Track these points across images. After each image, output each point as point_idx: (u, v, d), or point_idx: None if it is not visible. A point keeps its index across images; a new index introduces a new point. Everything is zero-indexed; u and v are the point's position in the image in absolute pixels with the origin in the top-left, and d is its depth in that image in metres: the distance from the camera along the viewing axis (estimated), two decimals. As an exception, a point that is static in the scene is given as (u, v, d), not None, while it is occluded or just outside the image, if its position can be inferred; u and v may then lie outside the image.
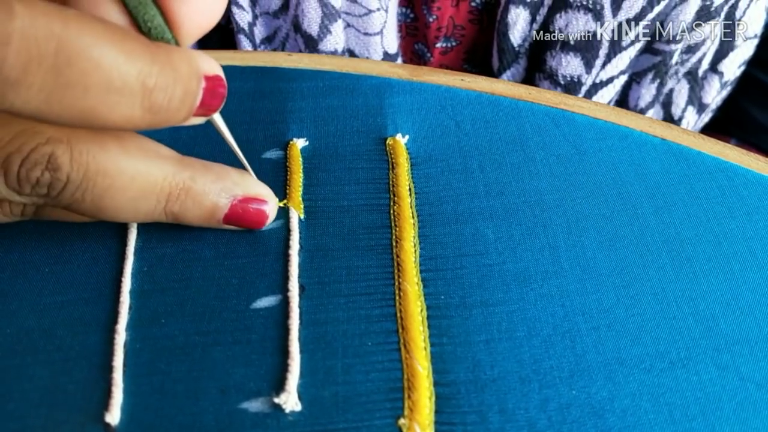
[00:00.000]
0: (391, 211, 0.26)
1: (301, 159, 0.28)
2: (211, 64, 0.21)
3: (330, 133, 0.30)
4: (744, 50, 0.41)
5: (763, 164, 0.28)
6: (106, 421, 0.20)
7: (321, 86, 0.32)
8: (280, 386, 0.21)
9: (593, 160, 0.28)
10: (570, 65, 0.37)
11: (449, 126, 0.30)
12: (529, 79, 0.39)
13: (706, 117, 0.45)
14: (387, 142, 0.29)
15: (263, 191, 0.25)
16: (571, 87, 0.38)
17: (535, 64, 0.38)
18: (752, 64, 0.43)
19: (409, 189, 0.27)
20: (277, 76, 0.32)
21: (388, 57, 0.39)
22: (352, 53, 0.38)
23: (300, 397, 0.21)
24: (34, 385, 0.21)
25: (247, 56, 0.33)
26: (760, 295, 0.24)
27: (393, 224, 0.26)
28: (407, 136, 0.29)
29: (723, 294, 0.24)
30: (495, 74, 0.39)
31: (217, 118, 0.23)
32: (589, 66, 0.37)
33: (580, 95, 0.38)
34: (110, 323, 0.23)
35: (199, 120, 0.22)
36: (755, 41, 0.41)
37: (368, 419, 0.21)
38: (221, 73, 0.21)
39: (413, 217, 0.26)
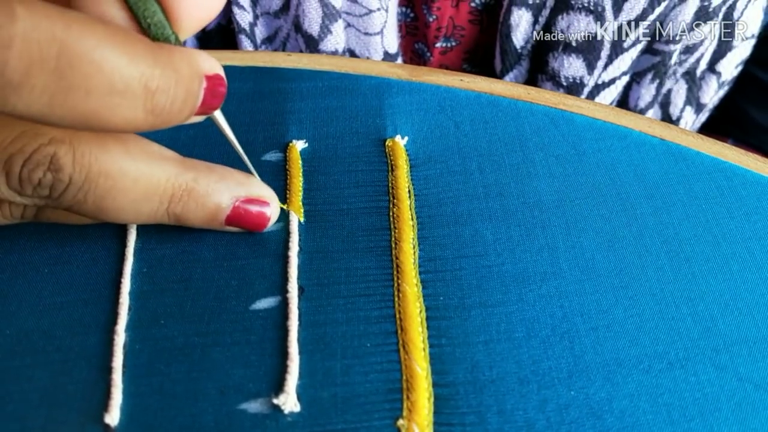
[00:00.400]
0: (391, 214, 0.26)
1: (300, 162, 0.28)
2: (212, 63, 0.21)
3: (329, 134, 0.30)
4: (742, 50, 0.41)
5: (761, 164, 0.28)
6: (106, 422, 0.20)
7: (320, 86, 0.32)
8: (279, 387, 0.21)
9: (592, 161, 0.28)
10: (572, 66, 0.37)
11: (448, 127, 0.30)
12: (531, 81, 0.40)
13: (704, 117, 0.45)
14: (386, 143, 0.29)
15: (266, 192, 0.25)
16: (574, 88, 0.38)
17: (538, 66, 0.39)
18: (751, 63, 0.43)
19: (409, 191, 0.27)
20: (277, 76, 0.32)
21: (388, 57, 0.39)
22: (352, 53, 0.38)
23: (299, 398, 0.21)
24: (34, 386, 0.21)
25: (246, 56, 0.33)
26: (759, 296, 0.24)
27: (392, 226, 0.26)
28: (406, 138, 0.29)
29: (722, 294, 0.24)
30: (497, 76, 0.39)
31: (219, 116, 0.23)
32: (591, 67, 0.37)
33: (583, 96, 0.38)
34: (110, 324, 0.23)
35: (200, 118, 0.22)
36: (753, 41, 0.41)
37: (367, 420, 0.21)
38: (221, 72, 0.21)
39: (412, 219, 0.26)
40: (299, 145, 0.29)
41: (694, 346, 0.23)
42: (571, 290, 0.24)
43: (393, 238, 0.26)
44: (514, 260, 0.25)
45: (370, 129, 0.30)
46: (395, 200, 0.27)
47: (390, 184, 0.27)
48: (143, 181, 0.22)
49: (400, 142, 0.29)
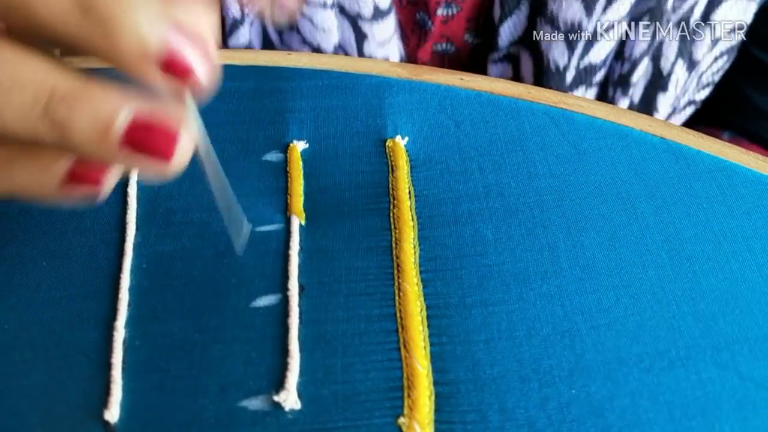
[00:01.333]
0: (391, 214, 0.26)
1: (301, 163, 0.28)
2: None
3: (330, 134, 0.30)
4: (739, 5, 0.40)
5: (762, 163, 0.28)
6: (105, 418, 0.20)
7: (320, 85, 0.32)
8: (279, 384, 0.21)
9: (592, 160, 0.28)
10: (571, 9, 0.36)
11: (449, 126, 0.30)
12: (530, 26, 0.39)
13: (703, 90, 0.44)
14: (387, 144, 0.29)
15: (176, 117, 0.18)
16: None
17: (536, 10, 0.38)
18: (751, 43, 0.42)
19: (409, 192, 0.27)
20: (277, 75, 0.32)
21: (379, 13, 0.37)
22: (341, 8, 0.37)
23: (299, 396, 0.21)
24: (33, 381, 0.21)
25: (246, 55, 0.33)
26: (760, 294, 0.24)
27: (393, 227, 0.26)
28: (407, 138, 0.29)
29: (723, 293, 0.24)
30: (496, 25, 0.39)
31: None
32: (589, 10, 0.36)
33: (581, 44, 0.38)
34: (109, 320, 0.23)
35: None
36: (753, 4, 0.40)
37: (368, 418, 0.21)
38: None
39: (413, 220, 0.26)
40: (300, 146, 0.29)
41: (695, 345, 0.23)
42: (572, 289, 0.24)
43: (393, 238, 0.26)
44: (515, 259, 0.25)
45: (371, 129, 0.30)
46: (396, 201, 0.27)
47: (390, 185, 0.27)
48: (9, 67, 0.17)
49: (401, 142, 0.29)
